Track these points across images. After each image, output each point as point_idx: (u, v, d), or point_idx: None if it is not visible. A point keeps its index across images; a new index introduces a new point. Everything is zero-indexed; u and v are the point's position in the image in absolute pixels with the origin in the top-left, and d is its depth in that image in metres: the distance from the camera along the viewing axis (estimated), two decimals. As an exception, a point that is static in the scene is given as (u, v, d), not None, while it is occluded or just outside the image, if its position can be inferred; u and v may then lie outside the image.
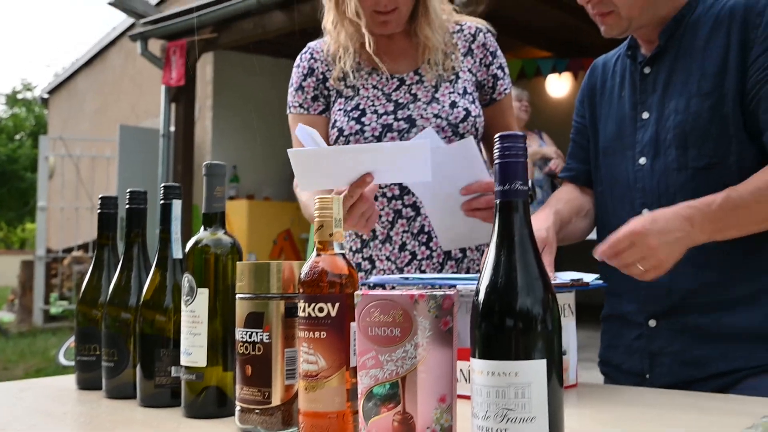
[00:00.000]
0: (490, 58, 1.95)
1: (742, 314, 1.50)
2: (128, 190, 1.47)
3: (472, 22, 1.98)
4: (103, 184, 9.74)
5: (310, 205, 1.86)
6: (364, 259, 1.91)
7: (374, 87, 1.90)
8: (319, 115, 1.94)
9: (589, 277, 1.47)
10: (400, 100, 1.87)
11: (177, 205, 1.37)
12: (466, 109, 1.85)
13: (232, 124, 8.52)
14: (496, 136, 0.87)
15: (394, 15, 1.84)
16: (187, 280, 1.23)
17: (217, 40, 7.42)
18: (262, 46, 8.09)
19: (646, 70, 1.64)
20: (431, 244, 1.86)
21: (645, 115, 1.62)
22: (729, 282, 1.51)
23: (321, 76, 1.94)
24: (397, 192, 1.85)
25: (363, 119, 1.86)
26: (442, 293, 0.91)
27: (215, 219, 1.28)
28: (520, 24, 7.71)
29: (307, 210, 1.89)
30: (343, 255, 1.05)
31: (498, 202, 0.87)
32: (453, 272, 1.87)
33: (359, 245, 1.91)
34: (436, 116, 1.83)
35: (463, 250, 1.88)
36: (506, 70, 1.99)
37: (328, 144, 1.88)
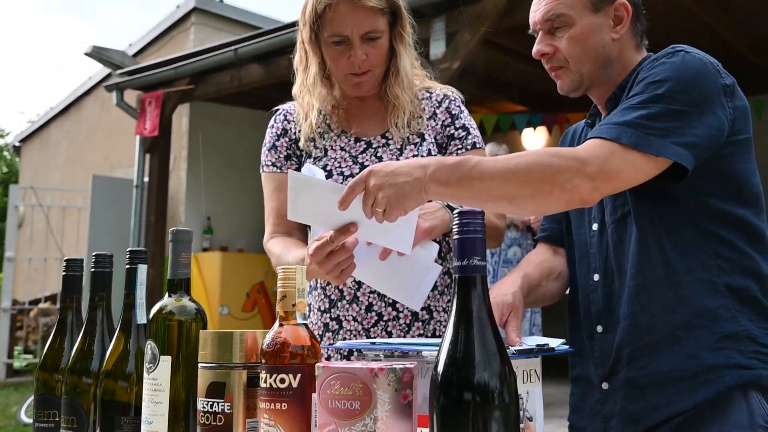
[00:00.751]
0: (450, 120, 1.97)
1: (662, 357, 1.50)
2: (94, 253, 1.47)
3: (441, 89, 2.03)
4: (73, 234, 9.65)
5: (283, 257, 1.87)
6: (331, 319, 1.91)
7: (342, 149, 1.94)
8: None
9: (555, 342, 1.48)
10: (366, 163, 1.90)
11: (142, 270, 1.37)
12: None
13: (206, 176, 8.52)
14: (455, 212, 0.89)
15: (368, 77, 1.89)
16: (150, 347, 1.23)
17: (194, 91, 7.46)
18: (239, 98, 8.15)
19: None
20: (398, 305, 1.86)
21: None
22: (650, 324, 1.52)
23: (294, 137, 1.98)
24: None
25: (329, 179, 1.88)
26: (401, 366, 0.92)
27: (180, 285, 1.28)
28: (495, 79, 7.83)
29: (279, 262, 1.89)
30: (306, 326, 1.06)
31: (456, 277, 0.88)
32: (420, 333, 1.88)
33: (327, 305, 1.91)
34: None
35: (429, 312, 1.89)
36: (471, 130, 1.98)
37: None
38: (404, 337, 1.87)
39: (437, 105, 1.99)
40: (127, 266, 1.37)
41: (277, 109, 2.07)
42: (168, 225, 8.05)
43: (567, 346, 1.49)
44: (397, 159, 1.89)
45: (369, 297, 1.87)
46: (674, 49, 1.54)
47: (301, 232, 1.98)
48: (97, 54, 8.37)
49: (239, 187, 8.43)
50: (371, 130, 1.96)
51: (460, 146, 1.96)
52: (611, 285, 1.61)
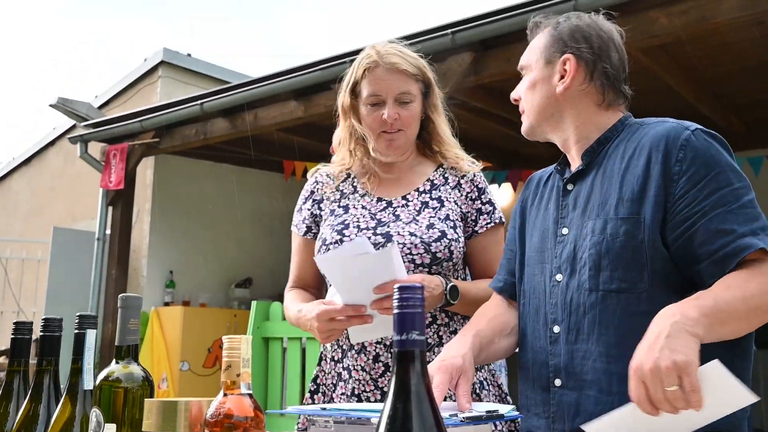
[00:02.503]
0: (477, 193, 2.09)
1: None
2: (42, 317, 1.46)
3: (468, 161, 2.15)
4: (32, 287, 9.47)
5: (289, 309, 2.05)
6: (343, 368, 2.01)
7: (363, 207, 2.07)
8: (303, 236, 2.15)
9: (504, 409, 1.49)
10: (383, 219, 2.02)
11: (91, 335, 1.36)
12: (442, 231, 1.97)
13: (170, 229, 8.45)
14: (395, 286, 0.91)
15: (399, 135, 2.04)
16: (94, 414, 1.22)
17: (159, 144, 7.44)
18: (204, 152, 8.15)
19: (569, 187, 1.71)
20: None
21: (564, 231, 1.68)
22: None
23: (319, 198, 2.15)
24: None
25: (345, 232, 2.00)
26: (342, 440, 0.92)
27: (128, 351, 1.27)
28: (459, 136, 7.93)
29: (287, 313, 2.10)
30: (250, 395, 1.06)
31: (396, 351, 0.90)
32: None
33: (339, 355, 2.03)
34: (412, 234, 1.95)
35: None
36: (495, 206, 2.11)
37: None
38: None
39: (461, 175, 2.11)
40: (76, 331, 1.36)
41: (317, 168, 2.24)
42: (130, 278, 7.95)
43: (517, 413, 1.50)
44: (414, 218, 2.00)
45: (376, 348, 1.95)
46: (689, 128, 1.57)
47: (317, 288, 2.16)
48: (62, 105, 8.34)
49: (203, 241, 8.38)
50: (393, 192, 2.09)
51: (489, 221, 2.08)
52: (576, 343, 1.59)
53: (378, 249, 1.89)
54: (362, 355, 1.96)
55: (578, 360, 1.58)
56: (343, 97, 2.10)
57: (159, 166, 8.53)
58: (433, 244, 1.94)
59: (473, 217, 2.07)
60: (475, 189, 2.09)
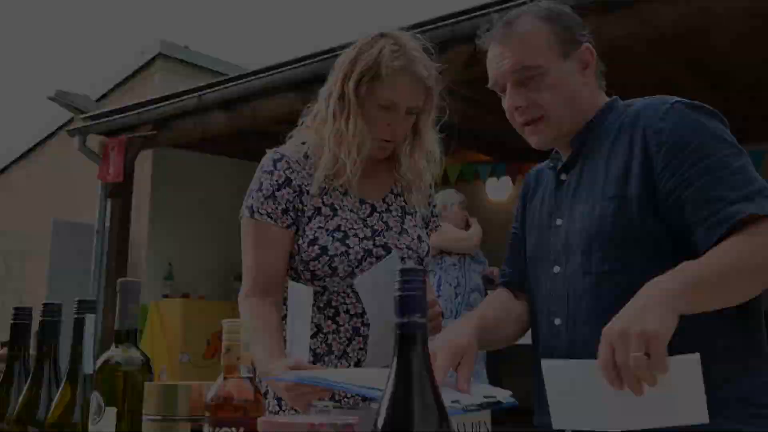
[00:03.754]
0: (431, 197, 2.10)
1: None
2: (42, 302, 1.46)
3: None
4: (32, 279, 9.48)
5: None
6: None
7: (350, 210, 1.91)
8: (286, 228, 1.87)
9: (502, 395, 1.48)
10: (376, 227, 1.91)
11: (90, 320, 1.36)
12: (428, 245, 1.99)
13: (168, 222, 8.45)
14: (398, 269, 0.91)
15: (393, 145, 1.94)
16: (95, 398, 1.22)
17: (157, 137, 7.43)
18: (202, 145, 8.14)
19: (562, 177, 1.69)
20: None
21: (558, 222, 1.66)
22: None
23: (298, 189, 1.88)
24: (359, 310, 1.87)
25: (347, 242, 1.85)
26: (343, 422, 0.93)
27: (128, 336, 1.28)
28: (458, 129, 7.91)
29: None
30: (250, 379, 1.06)
31: (398, 333, 0.89)
32: None
33: (312, 359, 1.87)
34: (408, 247, 1.92)
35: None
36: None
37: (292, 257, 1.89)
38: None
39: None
40: (75, 316, 1.36)
41: (276, 152, 1.94)
42: (129, 271, 7.94)
43: (513, 399, 1.49)
44: (402, 228, 1.94)
45: (358, 354, 1.86)
46: (667, 102, 1.54)
47: (278, 291, 1.89)
48: (61, 98, 8.33)
49: (201, 233, 8.37)
50: (372, 193, 1.97)
51: (436, 223, 2.14)
52: (575, 331, 1.57)
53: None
54: (343, 361, 1.84)
55: (579, 347, 1.54)
56: (350, 87, 1.86)
57: (157, 159, 8.52)
58: (425, 258, 1.96)
59: (427, 220, 2.10)
60: (431, 192, 2.10)
